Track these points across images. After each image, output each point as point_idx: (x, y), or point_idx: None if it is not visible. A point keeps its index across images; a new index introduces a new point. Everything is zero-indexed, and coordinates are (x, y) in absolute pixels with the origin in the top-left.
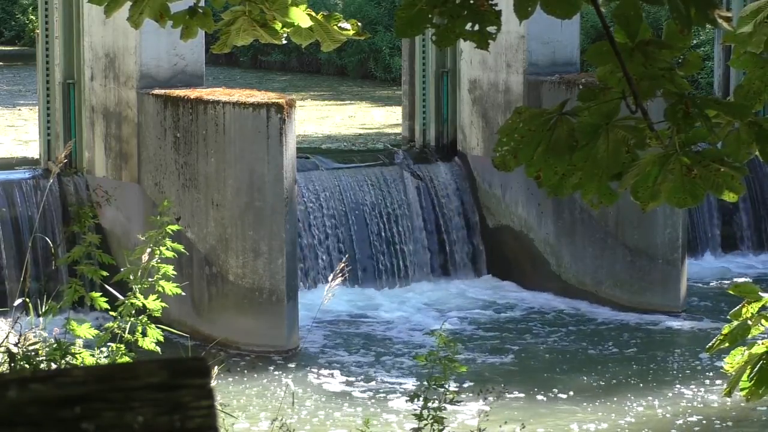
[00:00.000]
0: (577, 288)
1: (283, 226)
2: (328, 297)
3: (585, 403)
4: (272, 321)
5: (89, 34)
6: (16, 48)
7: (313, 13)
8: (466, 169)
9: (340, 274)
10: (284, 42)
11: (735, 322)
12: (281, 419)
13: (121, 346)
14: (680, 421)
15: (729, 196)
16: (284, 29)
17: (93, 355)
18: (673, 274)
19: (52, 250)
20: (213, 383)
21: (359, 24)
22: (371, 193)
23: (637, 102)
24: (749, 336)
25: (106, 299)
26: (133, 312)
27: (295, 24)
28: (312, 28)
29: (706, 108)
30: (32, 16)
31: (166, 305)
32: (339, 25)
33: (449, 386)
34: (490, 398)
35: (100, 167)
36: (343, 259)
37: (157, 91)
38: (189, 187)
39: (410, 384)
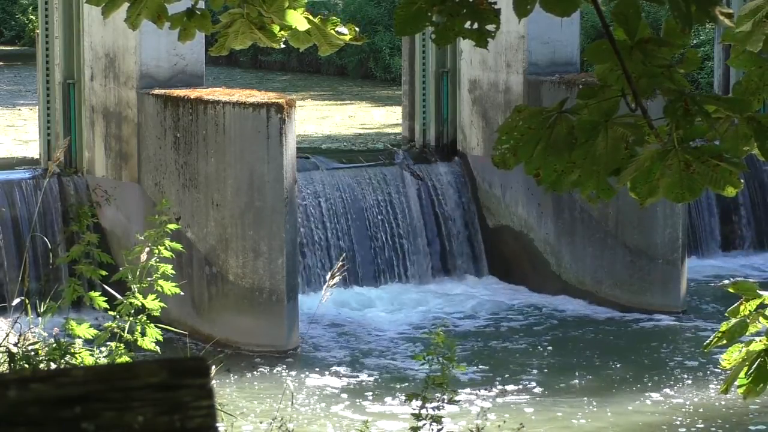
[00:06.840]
0: (577, 288)
1: (283, 226)
2: (326, 296)
3: (585, 403)
4: (272, 321)
5: (89, 34)
6: (16, 48)
7: (311, 17)
8: (466, 169)
9: (338, 274)
10: (282, 45)
11: (733, 320)
12: (280, 419)
13: (121, 345)
14: (680, 421)
15: (727, 192)
16: (282, 32)
17: (92, 355)
18: (673, 274)
19: (51, 250)
20: (212, 383)
21: (356, 29)
22: (371, 193)
23: (637, 100)
24: (747, 333)
25: (105, 299)
26: (132, 311)
27: (293, 27)
28: (309, 32)
29: (705, 104)
30: (32, 16)
31: (165, 305)
32: (336, 29)
33: (448, 386)
34: (489, 398)
35: (100, 167)
36: (341, 259)
37: (157, 91)
38: (189, 187)
39: (409, 384)
